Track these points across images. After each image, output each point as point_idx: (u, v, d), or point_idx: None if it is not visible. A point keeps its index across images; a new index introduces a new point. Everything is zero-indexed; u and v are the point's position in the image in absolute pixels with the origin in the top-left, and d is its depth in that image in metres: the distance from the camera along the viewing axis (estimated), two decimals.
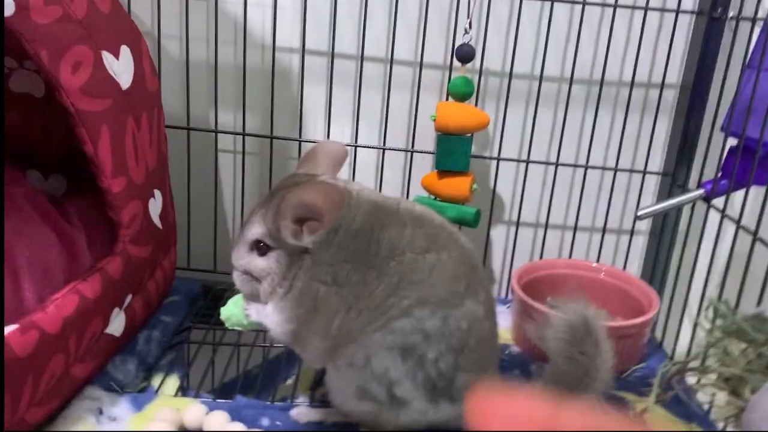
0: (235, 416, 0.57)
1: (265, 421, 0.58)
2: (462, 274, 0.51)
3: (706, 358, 0.44)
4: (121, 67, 0.62)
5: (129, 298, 0.63)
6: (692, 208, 0.75)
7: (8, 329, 0.47)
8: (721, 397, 0.41)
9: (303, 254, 0.50)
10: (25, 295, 0.54)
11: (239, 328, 0.55)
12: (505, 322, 0.78)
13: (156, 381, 0.64)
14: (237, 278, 0.54)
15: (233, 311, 0.55)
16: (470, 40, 0.75)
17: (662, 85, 0.79)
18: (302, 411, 0.59)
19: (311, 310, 0.50)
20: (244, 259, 0.53)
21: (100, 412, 0.56)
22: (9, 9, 0.51)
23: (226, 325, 0.56)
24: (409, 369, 0.50)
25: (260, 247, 0.52)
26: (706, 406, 0.61)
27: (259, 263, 0.52)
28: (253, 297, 0.53)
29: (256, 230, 0.52)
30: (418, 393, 0.51)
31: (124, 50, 0.62)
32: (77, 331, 0.53)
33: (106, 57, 0.60)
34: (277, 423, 0.58)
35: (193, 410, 0.57)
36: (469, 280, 0.52)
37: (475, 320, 0.51)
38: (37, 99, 0.73)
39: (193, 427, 0.56)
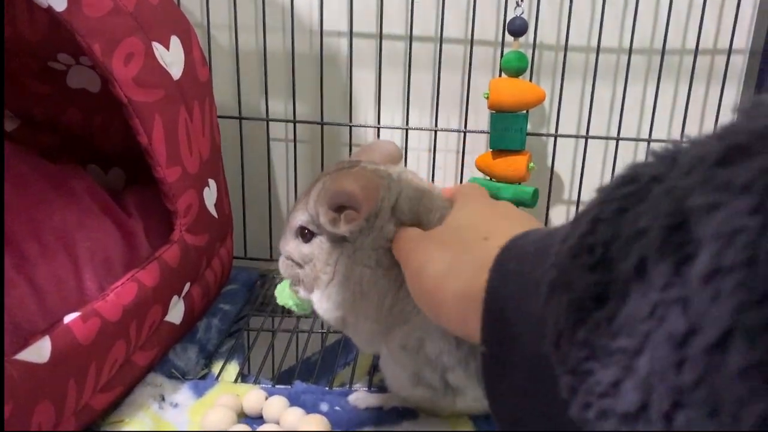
0: (294, 402, 0.57)
1: (324, 407, 0.57)
2: None
3: None
4: (171, 58, 0.62)
5: (187, 286, 0.64)
6: None
7: (70, 317, 0.48)
8: None
9: (344, 241, 0.49)
10: (86, 285, 0.55)
11: (288, 306, 0.55)
12: None
13: (216, 368, 0.65)
14: (282, 264, 0.54)
15: (284, 287, 0.55)
16: (522, 12, 0.72)
17: (729, 51, 0.75)
18: (360, 396, 0.58)
19: (358, 295, 0.49)
20: (289, 245, 0.53)
21: (162, 398, 0.57)
22: (61, 4, 0.52)
23: (278, 300, 0.56)
24: (462, 357, 0.49)
25: (304, 234, 0.51)
26: None
27: (303, 249, 0.51)
28: (298, 283, 0.53)
29: (300, 217, 0.51)
30: (471, 382, 0.50)
31: (174, 41, 0.63)
32: (137, 318, 0.54)
33: (157, 48, 0.60)
34: (336, 408, 0.57)
35: (253, 396, 0.57)
36: None
37: None
38: (93, 94, 0.75)
39: (253, 412, 0.57)
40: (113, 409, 0.55)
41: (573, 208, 0.84)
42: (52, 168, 0.67)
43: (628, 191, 0.21)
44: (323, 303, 0.51)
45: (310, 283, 0.52)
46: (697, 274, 0.17)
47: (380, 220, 0.48)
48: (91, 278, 0.56)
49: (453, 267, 0.33)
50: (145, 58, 0.58)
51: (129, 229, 0.63)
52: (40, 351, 0.44)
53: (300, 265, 0.52)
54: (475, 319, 0.29)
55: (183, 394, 0.58)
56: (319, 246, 0.50)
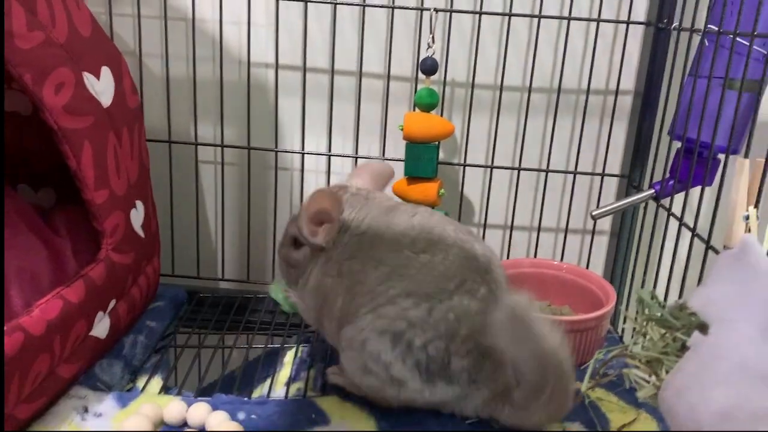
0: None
1: (241, 415, 0.61)
2: (454, 275, 0.56)
3: (634, 345, 0.48)
4: (101, 87, 0.66)
5: (113, 302, 0.67)
6: (645, 207, 0.80)
7: None
8: (644, 377, 0.45)
9: (321, 252, 0.61)
10: (13, 302, 0.58)
11: (277, 299, 0.70)
12: None
13: (141, 382, 0.68)
14: (280, 265, 0.67)
15: (277, 286, 0.70)
16: (434, 53, 0.79)
17: (617, 92, 0.84)
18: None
19: (323, 300, 0.61)
20: (283, 250, 0.65)
21: (86, 410, 0.60)
22: None
23: (270, 293, 0.71)
24: (399, 353, 0.56)
25: (296, 243, 0.63)
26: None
27: (293, 255, 0.64)
28: (289, 282, 0.66)
29: (293, 228, 0.63)
30: (411, 374, 0.56)
31: (105, 71, 0.67)
32: (61, 333, 0.57)
33: (87, 78, 0.64)
34: (252, 416, 0.62)
35: (174, 406, 0.60)
36: (463, 280, 0.56)
37: (466, 313, 0.56)
38: (25, 117, 0.77)
39: (174, 421, 0.60)
40: (37, 418, 0.58)
41: (481, 231, 0.92)
42: None
43: None
44: (301, 305, 0.65)
45: (294, 284, 0.65)
46: None
47: (347, 236, 0.60)
48: (18, 296, 0.58)
49: None
50: (76, 87, 0.62)
51: (57, 248, 0.66)
52: None
53: (292, 266, 0.64)
54: None
55: (107, 404, 0.62)
56: (303, 254, 0.63)
